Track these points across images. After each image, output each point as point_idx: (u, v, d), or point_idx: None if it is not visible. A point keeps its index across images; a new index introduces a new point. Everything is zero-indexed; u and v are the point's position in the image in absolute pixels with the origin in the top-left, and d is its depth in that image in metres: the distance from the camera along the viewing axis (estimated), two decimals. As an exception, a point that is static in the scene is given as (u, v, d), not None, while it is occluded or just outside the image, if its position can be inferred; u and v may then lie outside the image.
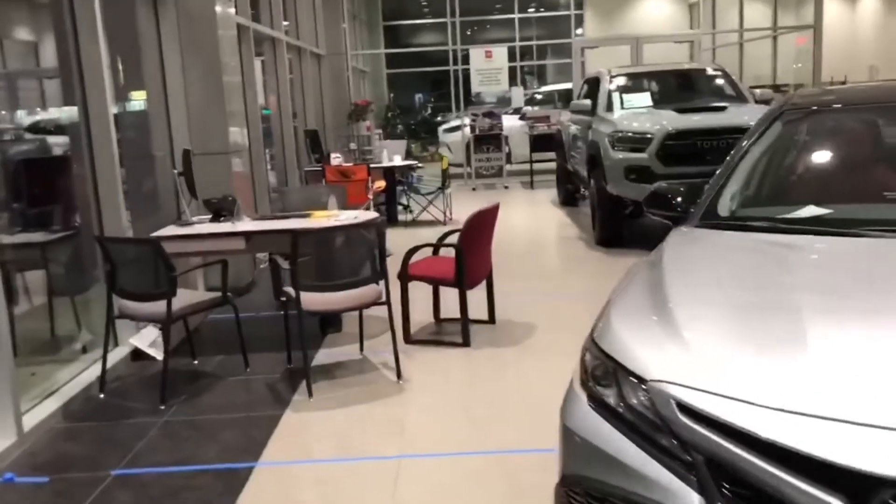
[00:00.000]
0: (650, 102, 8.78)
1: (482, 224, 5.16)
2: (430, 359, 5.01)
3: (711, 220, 3.14)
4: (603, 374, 2.28)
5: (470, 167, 14.43)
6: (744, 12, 18.17)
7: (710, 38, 16.74)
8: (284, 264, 4.52)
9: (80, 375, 4.86)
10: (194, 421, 4.25)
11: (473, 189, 13.88)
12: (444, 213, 10.50)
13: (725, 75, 9.12)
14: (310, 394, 4.46)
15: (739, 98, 8.81)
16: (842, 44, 15.76)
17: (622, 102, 8.82)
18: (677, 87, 9.21)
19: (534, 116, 14.37)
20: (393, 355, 4.70)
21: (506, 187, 14.03)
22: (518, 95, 15.81)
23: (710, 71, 9.23)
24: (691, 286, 2.53)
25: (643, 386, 2.11)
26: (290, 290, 4.61)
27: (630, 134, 7.69)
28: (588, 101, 9.06)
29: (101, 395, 4.68)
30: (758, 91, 9.03)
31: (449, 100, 25.84)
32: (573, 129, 10.34)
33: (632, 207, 8.07)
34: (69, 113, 5.39)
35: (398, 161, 10.63)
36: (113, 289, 4.64)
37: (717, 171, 3.51)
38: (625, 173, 7.66)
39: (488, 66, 17.87)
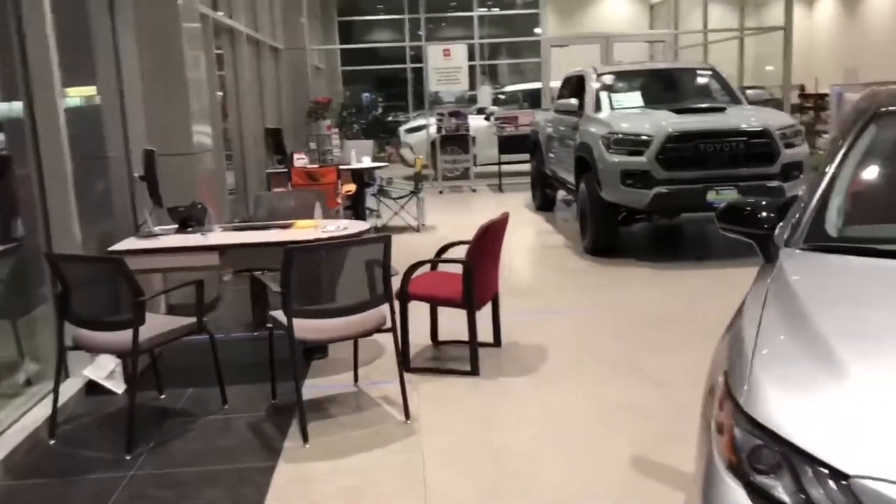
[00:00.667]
0: (641, 102, 8.30)
1: (492, 236, 4.57)
2: (437, 391, 4.39)
3: (821, 241, 2.60)
4: (767, 458, 1.70)
5: (435, 169, 13.86)
6: (708, 14, 17.96)
7: (675, 38, 16.43)
8: (273, 285, 3.84)
9: (25, 417, 4.11)
10: (168, 476, 3.55)
11: (440, 192, 13.28)
12: (417, 220, 9.88)
13: (716, 75, 8.70)
14: (304, 439, 3.80)
15: (733, 99, 8.40)
16: (800, 47, 15.60)
17: (611, 102, 8.32)
18: (667, 87, 8.75)
19: (502, 117, 13.82)
20: (393, 387, 4.09)
21: (473, 190, 13.46)
22: (485, 95, 15.26)
23: (700, 70, 8.79)
24: (859, 334, 1.97)
25: (843, 482, 1.54)
26: (278, 315, 3.94)
27: (627, 136, 7.17)
28: (574, 101, 8.53)
29: (52, 442, 3.94)
30: (751, 92, 8.63)
31: (401, 99, 25.18)
32: (552, 129, 9.81)
33: (624, 214, 7.56)
34: (9, 107, 4.62)
35: (367, 163, 9.96)
36: (65, 315, 3.90)
37: (809, 183, 2.97)
38: (622, 178, 7.14)
39: (447, 65, 17.31)
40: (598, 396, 4.19)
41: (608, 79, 8.62)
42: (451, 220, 10.37)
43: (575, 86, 9.40)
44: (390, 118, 24.15)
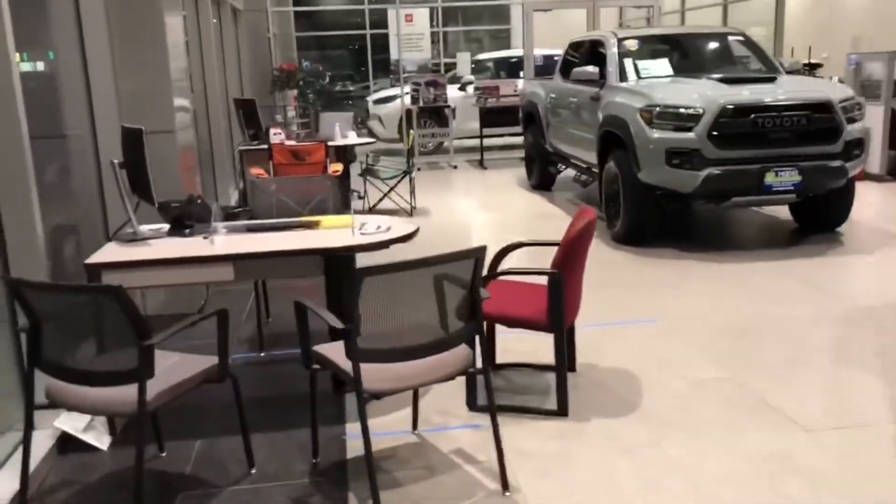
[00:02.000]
0: (670, 71, 7.40)
1: (584, 241, 3.59)
2: (525, 442, 3.42)
3: None
4: None
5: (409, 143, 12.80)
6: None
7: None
8: (329, 318, 2.82)
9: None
10: None
11: (418, 169, 12.21)
12: (410, 203, 8.85)
13: (749, 41, 7.84)
14: (378, 526, 2.81)
15: (770, 67, 7.56)
16: (766, 19, 15.00)
17: (637, 71, 7.40)
18: (697, 54, 7.86)
19: (482, 87, 12.78)
20: (467, 435, 3.20)
21: (454, 167, 12.45)
22: (464, 63, 14.19)
23: (731, 36, 7.92)
24: None
25: None
26: (331, 354, 2.92)
27: (673, 109, 6.25)
28: (593, 69, 7.57)
29: (21, 536, 2.86)
30: (785, 61, 7.80)
31: (349, 67, 23.76)
32: (556, 101, 8.86)
33: (662, 197, 6.64)
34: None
35: (353, 138, 8.86)
36: (36, 361, 2.81)
37: None
38: (667, 157, 6.24)
39: (409, 31, 16.26)
40: (738, 448, 3.29)
41: (631, 44, 7.68)
42: (443, 203, 9.38)
43: (587, 53, 8.45)
44: (338, 88, 22.85)
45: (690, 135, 6.15)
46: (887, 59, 9.20)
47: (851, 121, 6.32)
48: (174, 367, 2.97)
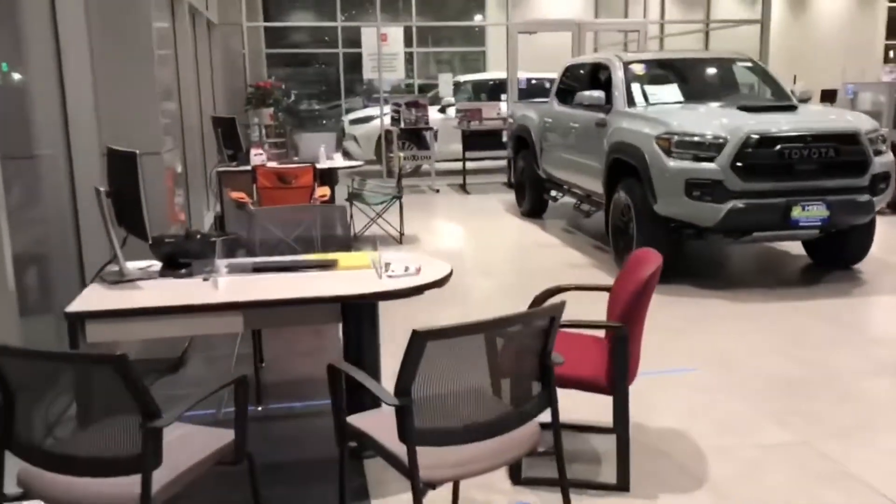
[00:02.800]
0: (680, 97, 7.04)
1: (650, 288, 3.13)
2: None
3: None
4: None
5: (385, 166, 12.35)
6: (652, 5, 17.02)
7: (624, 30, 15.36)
8: (367, 381, 2.31)
9: None
10: None
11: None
12: (399, 230, 8.34)
13: (758, 67, 7.54)
14: None
15: (781, 96, 7.25)
16: (749, 46, 14.94)
17: (646, 97, 7.02)
18: (706, 80, 7.53)
19: (464, 109, 12.37)
20: None
21: (436, 191, 11.97)
22: (446, 85, 13.77)
23: (740, 62, 7.60)
24: None
25: None
26: (377, 436, 2.41)
27: (693, 137, 5.87)
28: (600, 93, 7.18)
29: None
30: (797, 88, 7.50)
31: (315, 86, 23.21)
32: (553, 125, 8.46)
33: (678, 230, 6.22)
34: None
35: (339, 161, 8.34)
36: (6, 441, 2.25)
37: None
38: (686, 189, 5.83)
39: (383, 51, 15.90)
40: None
41: (638, 68, 7.31)
42: (432, 230, 8.90)
43: (587, 77, 8.08)
44: (303, 107, 22.29)
45: (712, 165, 5.77)
46: (887, 89, 9.01)
47: (878, 153, 6.00)
48: (181, 443, 2.42)
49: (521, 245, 8.05)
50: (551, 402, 2.48)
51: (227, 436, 2.47)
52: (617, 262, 6.67)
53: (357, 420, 2.55)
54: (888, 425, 3.71)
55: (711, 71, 7.64)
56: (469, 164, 12.38)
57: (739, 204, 5.74)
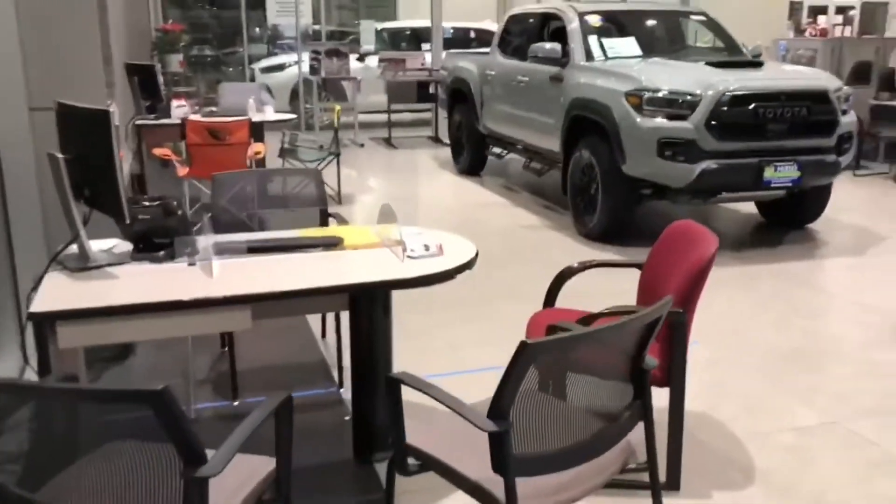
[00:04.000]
0: (639, 52, 6.75)
1: (707, 270, 2.81)
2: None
3: None
4: None
5: (300, 118, 11.67)
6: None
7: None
8: (449, 401, 1.90)
9: None
10: None
11: (321, 147, 11.07)
12: (338, 189, 7.81)
13: (712, 21, 7.33)
14: None
15: (735, 52, 7.09)
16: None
17: (605, 51, 6.70)
18: (663, 34, 7.28)
19: (388, 59, 11.77)
20: None
21: (361, 145, 11.39)
22: (369, 32, 13.07)
23: (694, 15, 7.37)
24: None
25: None
26: (455, 464, 2.00)
27: (666, 95, 5.60)
28: (556, 46, 6.81)
29: None
30: (749, 45, 7.35)
31: (206, 31, 21.85)
32: (498, 79, 8.05)
33: (650, 191, 5.99)
34: None
35: (270, 114, 7.69)
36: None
37: None
38: (658, 148, 5.58)
39: (289, -7, 15.04)
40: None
41: (594, 20, 6.96)
42: (367, 188, 8.42)
43: (536, 28, 7.69)
44: (194, 52, 20.96)
45: (686, 124, 5.53)
46: (821, 46, 9.03)
47: (843, 112, 5.91)
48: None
49: (468, 204, 7.67)
50: (646, 413, 2.14)
51: (263, 466, 2.01)
52: (577, 224, 6.39)
53: (419, 438, 2.13)
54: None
55: (665, 24, 7.39)
56: (393, 117, 11.86)
57: (713, 164, 5.53)
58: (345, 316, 3.38)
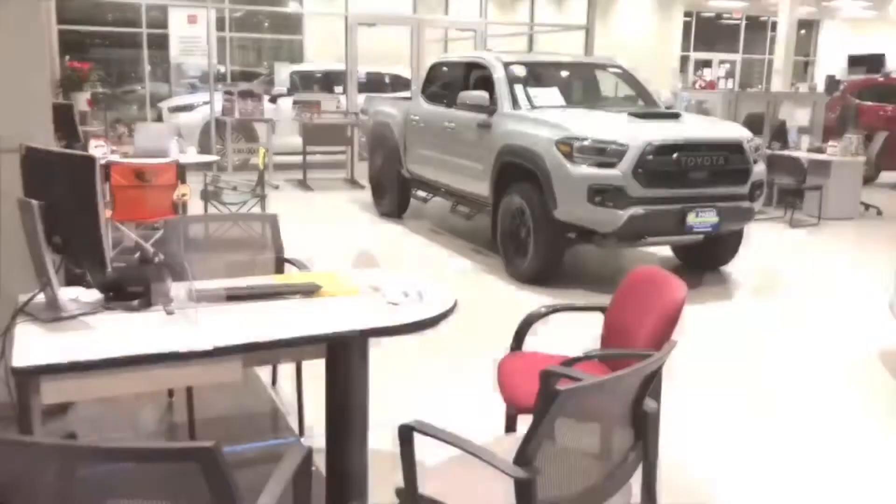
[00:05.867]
0: (562, 101, 7.01)
1: (679, 313, 2.94)
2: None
3: None
4: None
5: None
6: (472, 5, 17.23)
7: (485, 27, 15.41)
8: (475, 450, 1.92)
9: None
10: None
11: (234, 188, 10.88)
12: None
13: (627, 74, 7.70)
14: None
15: (649, 102, 7.47)
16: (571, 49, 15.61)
17: (530, 99, 6.93)
18: (582, 85, 7.59)
19: (302, 101, 11.75)
20: None
21: (276, 186, 11.26)
22: (283, 74, 13.01)
23: (612, 67, 7.73)
24: None
25: None
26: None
27: (595, 144, 5.84)
28: (484, 94, 6.99)
29: None
30: (663, 95, 7.76)
31: (115, 68, 21.30)
32: (422, 124, 8.17)
33: (575, 235, 6.20)
34: None
35: (192, 156, 7.54)
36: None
37: None
38: (589, 195, 5.80)
39: (193, 33, 14.94)
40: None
41: (518, 70, 7.20)
42: (288, 231, 8.23)
43: (460, 76, 7.87)
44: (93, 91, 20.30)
45: (615, 171, 5.78)
46: (727, 97, 9.61)
47: (755, 161, 6.31)
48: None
49: (397, 249, 7.70)
50: (646, 454, 2.22)
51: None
52: (508, 267, 6.53)
53: (434, 489, 2.13)
54: None
55: (583, 75, 7.71)
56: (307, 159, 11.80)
57: (640, 210, 5.79)
58: (309, 364, 3.35)
